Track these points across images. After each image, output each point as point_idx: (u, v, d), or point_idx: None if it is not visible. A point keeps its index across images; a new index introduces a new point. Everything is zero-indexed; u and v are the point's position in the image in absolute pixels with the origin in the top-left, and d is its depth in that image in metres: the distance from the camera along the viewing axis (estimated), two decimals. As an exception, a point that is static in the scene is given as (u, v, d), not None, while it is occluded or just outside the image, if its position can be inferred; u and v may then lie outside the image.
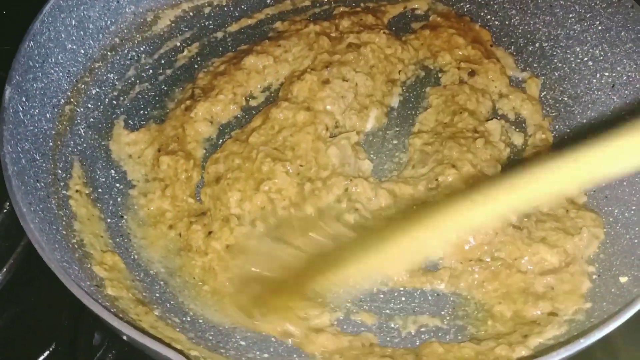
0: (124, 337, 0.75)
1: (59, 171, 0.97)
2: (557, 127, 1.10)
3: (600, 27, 1.11)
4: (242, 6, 1.26)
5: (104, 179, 1.02)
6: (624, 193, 0.98)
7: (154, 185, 1.01)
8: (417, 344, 0.88)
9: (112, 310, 0.78)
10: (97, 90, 1.10)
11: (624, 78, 1.06)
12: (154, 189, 1.00)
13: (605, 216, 0.97)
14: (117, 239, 0.96)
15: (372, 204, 0.98)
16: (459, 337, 0.88)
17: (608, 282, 0.89)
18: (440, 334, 0.89)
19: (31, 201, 0.86)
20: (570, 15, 1.16)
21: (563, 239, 0.93)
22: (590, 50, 1.12)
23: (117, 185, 1.02)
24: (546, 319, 0.86)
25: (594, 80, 1.11)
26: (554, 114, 1.12)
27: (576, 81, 1.13)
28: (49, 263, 0.76)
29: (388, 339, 0.89)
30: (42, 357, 0.93)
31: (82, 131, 1.05)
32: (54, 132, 0.99)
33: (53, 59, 1.02)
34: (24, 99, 0.94)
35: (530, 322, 0.86)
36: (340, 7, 1.26)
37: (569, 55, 1.15)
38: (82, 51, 1.08)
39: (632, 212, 0.96)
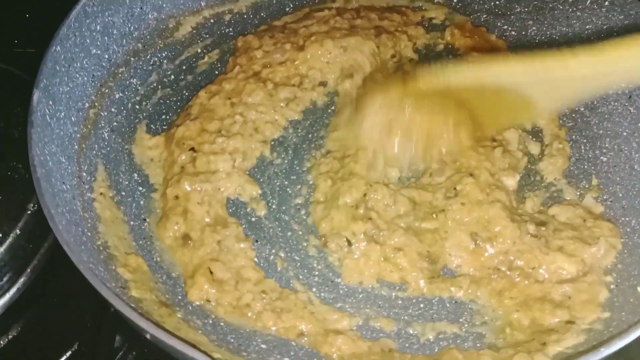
0: (148, 336, 0.76)
1: (84, 174, 0.99)
2: (573, 137, 1.11)
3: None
4: (262, 14, 1.28)
5: (127, 182, 1.03)
6: (641, 203, 0.99)
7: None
8: (436, 350, 0.89)
9: (139, 311, 0.78)
10: (121, 94, 1.11)
11: (640, 90, 1.07)
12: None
13: (623, 226, 0.98)
14: (140, 242, 0.97)
15: (389, 212, 0.99)
16: (478, 345, 0.89)
17: (626, 292, 0.90)
18: (458, 341, 0.90)
19: (58, 203, 0.87)
20: (587, 27, 1.17)
21: (581, 249, 0.94)
22: (608, 61, 1.13)
23: (140, 188, 1.03)
24: (564, 327, 0.87)
25: (611, 91, 1.12)
26: (570, 124, 1.13)
27: (593, 92, 1.14)
28: (77, 264, 0.77)
29: (407, 345, 0.90)
30: (64, 357, 0.95)
31: (106, 135, 1.06)
32: (78, 135, 1.01)
33: (78, 64, 1.03)
34: (50, 103, 0.95)
35: (548, 330, 0.87)
36: (358, 20, 1.27)
37: (586, 67, 1.16)
38: (106, 56, 1.10)
39: (650, 222, 0.97)
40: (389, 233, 0.97)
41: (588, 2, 1.17)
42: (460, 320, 0.92)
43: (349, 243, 0.96)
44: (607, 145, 1.08)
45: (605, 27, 1.14)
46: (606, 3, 1.14)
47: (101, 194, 0.99)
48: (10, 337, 0.96)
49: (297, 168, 1.07)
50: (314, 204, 1.02)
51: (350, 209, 0.99)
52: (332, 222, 0.98)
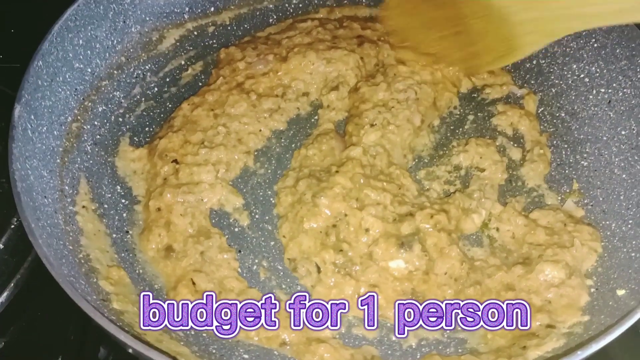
0: (130, 351, 0.76)
1: (66, 187, 0.99)
2: (554, 142, 1.12)
3: (596, 45, 1.13)
4: (245, 25, 1.29)
5: (109, 195, 1.04)
6: (621, 207, 1.00)
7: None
8: (418, 357, 0.89)
9: (118, 324, 0.79)
10: (104, 107, 1.12)
11: (620, 94, 1.08)
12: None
13: (603, 230, 0.99)
14: (123, 254, 0.98)
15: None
16: (459, 350, 0.89)
17: (606, 296, 0.90)
18: (440, 347, 0.90)
19: (39, 217, 0.88)
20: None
21: (561, 253, 0.95)
22: (587, 67, 1.14)
23: (123, 200, 1.04)
24: (544, 331, 0.87)
25: (591, 97, 1.13)
26: (551, 130, 1.14)
27: (573, 97, 1.15)
28: (56, 277, 0.78)
29: (389, 352, 0.90)
30: (48, 370, 0.94)
31: (89, 148, 1.07)
32: (61, 149, 1.01)
33: (61, 78, 1.04)
34: (32, 117, 0.96)
35: (528, 334, 0.88)
36: (341, 30, 1.27)
37: (565, 72, 1.17)
38: (89, 70, 1.11)
39: (629, 226, 0.97)
40: (362, 269, 0.95)
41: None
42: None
43: (319, 269, 0.95)
44: (587, 150, 1.09)
45: (584, 32, 1.16)
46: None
47: (83, 207, 0.99)
48: (-6, 351, 0.96)
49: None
50: (279, 220, 1.02)
51: (319, 235, 0.98)
52: (300, 246, 0.97)
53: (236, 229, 1.02)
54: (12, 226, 1.00)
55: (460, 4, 1.05)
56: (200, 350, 0.87)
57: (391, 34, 1.21)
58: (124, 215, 1.02)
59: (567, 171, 1.08)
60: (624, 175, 1.03)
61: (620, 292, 0.89)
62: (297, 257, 0.97)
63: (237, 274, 0.96)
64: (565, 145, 1.11)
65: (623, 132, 1.06)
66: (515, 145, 1.12)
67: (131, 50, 1.18)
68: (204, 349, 0.88)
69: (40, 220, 0.87)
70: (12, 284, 0.98)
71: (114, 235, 0.99)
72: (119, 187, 1.05)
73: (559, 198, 1.05)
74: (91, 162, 1.06)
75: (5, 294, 0.97)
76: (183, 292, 0.92)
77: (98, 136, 1.09)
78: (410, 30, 1.16)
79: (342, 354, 0.89)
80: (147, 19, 1.21)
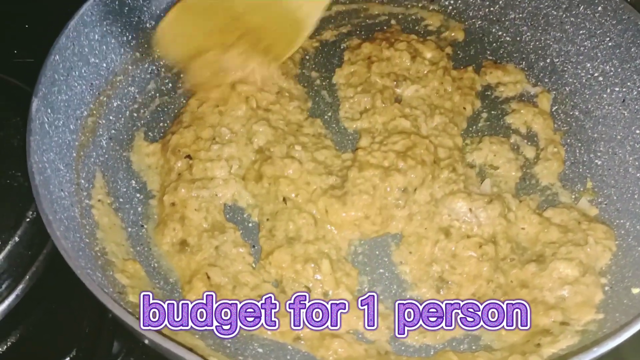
0: (146, 341, 0.77)
1: (82, 181, 1.00)
2: (568, 141, 1.12)
3: (610, 44, 1.13)
4: (259, 22, 1.29)
5: (124, 189, 1.04)
6: (635, 206, 1.00)
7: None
8: (432, 353, 0.90)
9: (135, 316, 0.79)
10: (119, 102, 1.12)
11: (634, 93, 1.08)
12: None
13: (617, 229, 0.99)
14: (138, 248, 0.98)
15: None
16: (473, 347, 0.90)
17: (620, 294, 0.90)
18: (454, 344, 0.90)
19: (56, 209, 0.88)
20: (581, 32, 1.18)
21: (575, 251, 0.95)
22: (601, 66, 1.14)
23: (138, 195, 1.04)
24: (559, 328, 0.87)
25: (605, 96, 1.13)
26: (565, 128, 1.14)
27: (587, 96, 1.15)
28: (74, 269, 0.78)
29: (403, 348, 0.90)
30: (63, 363, 0.95)
31: (104, 142, 1.07)
32: (77, 143, 1.02)
33: (77, 72, 1.05)
34: (49, 111, 0.97)
35: (543, 330, 0.88)
36: (345, 26, 1.28)
37: (579, 71, 1.17)
38: (105, 65, 1.11)
39: (644, 224, 0.97)
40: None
41: (581, 7, 1.18)
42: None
43: (309, 290, 0.94)
44: (601, 149, 1.09)
45: (598, 31, 1.15)
46: (599, 8, 1.15)
47: (99, 200, 1.00)
48: (9, 343, 0.97)
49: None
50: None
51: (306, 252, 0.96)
52: (285, 269, 0.95)
53: (250, 224, 1.02)
54: (28, 219, 1.00)
55: (232, 5, 1.04)
56: (215, 344, 0.88)
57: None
58: (139, 209, 1.03)
59: (581, 170, 1.08)
60: (638, 174, 1.03)
61: (635, 291, 0.89)
62: (282, 279, 0.95)
63: (251, 268, 0.97)
64: (579, 144, 1.11)
65: (637, 131, 1.06)
66: (529, 143, 1.12)
67: (146, 46, 1.19)
68: (219, 343, 0.88)
69: (57, 213, 0.88)
70: (28, 277, 0.98)
71: (129, 229, 1.00)
72: (133, 182, 1.06)
73: (573, 196, 1.05)
74: (106, 156, 1.06)
75: (20, 287, 0.97)
76: (198, 285, 0.92)
77: (113, 131, 1.10)
78: (192, 53, 1.10)
79: (356, 349, 0.89)
80: (162, 14, 1.21)
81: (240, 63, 1.10)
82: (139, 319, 0.76)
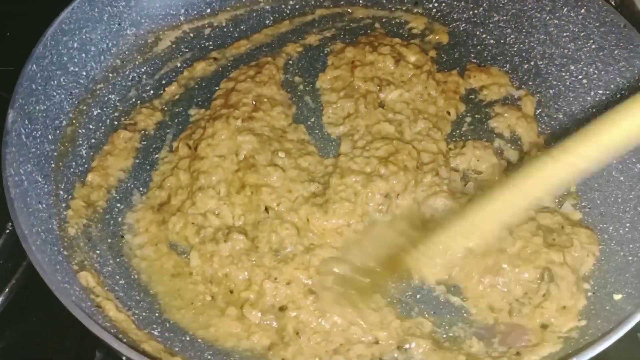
0: (124, 359, 0.76)
1: (61, 192, 0.99)
2: (552, 144, 1.11)
3: (594, 46, 1.13)
4: (242, 27, 1.28)
5: (105, 200, 1.03)
6: (619, 210, 1.00)
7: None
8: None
9: (113, 331, 0.78)
10: (99, 111, 1.11)
11: (618, 96, 1.08)
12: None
13: (601, 233, 0.99)
14: (118, 259, 0.97)
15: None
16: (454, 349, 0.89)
17: (602, 300, 0.90)
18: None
19: (33, 223, 0.87)
20: (565, 35, 1.18)
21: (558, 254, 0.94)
22: (585, 68, 1.14)
23: (118, 205, 1.03)
24: (540, 336, 0.87)
25: (589, 98, 1.12)
26: (549, 132, 1.13)
27: (571, 99, 1.14)
28: (49, 285, 0.78)
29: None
30: (44, 377, 0.94)
31: (84, 152, 1.06)
32: (56, 153, 1.01)
33: (55, 82, 1.04)
34: (26, 122, 0.96)
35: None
36: (329, 30, 1.28)
37: (563, 74, 1.17)
38: (84, 73, 1.10)
39: (627, 229, 0.97)
40: None
41: (565, 9, 1.17)
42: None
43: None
44: (585, 152, 1.09)
45: (582, 33, 1.15)
46: (582, 10, 1.15)
47: (77, 212, 0.99)
48: (-11, 356, 0.96)
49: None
50: None
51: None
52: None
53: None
54: (7, 231, 0.99)
55: None
56: (195, 356, 0.87)
57: None
58: (119, 220, 1.02)
59: (564, 174, 1.08)
60: (621, 178, 1.02)
61: (617, 297, 0.89)
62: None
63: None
64: (563, 147, 1.10)
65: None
66: (513, 147, 1.11)
67: (126, 52, 1.18)
68: (199, 355, 0.87)
69: (35, 227, 0.87)
70: (7, 289, 0.98)
71: (109, 240, 0.99)
72: (114, 192, 1.05)
73: (557, 200, 1.04)
74: (86, 166, 1.05)
75: (0, 299, 0.97)
76: None
77: (93, 140, 1.09)
78: None
79: None
80: (143, 21, 1.21)
81: None
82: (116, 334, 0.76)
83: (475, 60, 1.24)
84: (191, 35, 1.26)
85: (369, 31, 1.29)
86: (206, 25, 1.27)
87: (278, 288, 0.92)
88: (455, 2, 1.29)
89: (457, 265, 0.94)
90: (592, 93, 1.12)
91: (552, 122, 1.14)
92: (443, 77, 1.18)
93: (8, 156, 0.88)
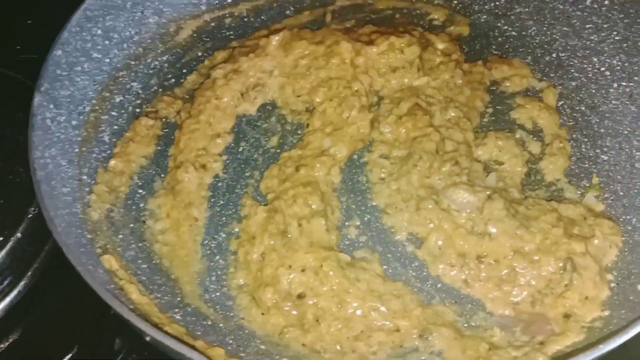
0: (148, 339, 0.76)
1: (84, 177, 0.99)
2: (574, 136, 1.10)
3: (617, 38, 1.12)
4: (262, 17, 1.28)
5: (127, 185, 1.04)
6: (643, 202, 0.99)
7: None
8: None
9: (137, 313, 0.79)
10: (121, 98, 1.12)
11: (641, 88, 1.07)
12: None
13: (624, 225, 0.98)
14: (140, 244, 0.98)
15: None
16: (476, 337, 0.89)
17: (626, 290, 0.89)
18: (457, 340, 0.89)
19: (58, 205, 0.88)
20: (587, 26, 1.17)
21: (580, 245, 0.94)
22: (607, 60, 1.13)
23: (140, 191, 1.04)
24: (564, 326, 0.86)
25: (611, 90, 1.12)
26: (571, 123, 1.12)
27: (593, 91, 1.14)
28: (76, 266, 0.78)
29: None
30: (65, 360, 0.95)
31: (106, 138, 1.07)
32: (79, 138, 1.02)
33: (79, 68, 1.05)
34: (51, 106, 0.97)
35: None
36: (349, 22, 1.28)
37: (586, 66, 1.16)
38: (107, 60, 1.11)
39: (650, 220, 0.96)
40: None
41: (588, 1, 1.17)
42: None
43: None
44: (607, 144, 1.08)
45: (605, 25, 1.14)
46: (606, 2, 1.14)
47: (100, 196, 0.99)
48: (11, 339, 0.97)
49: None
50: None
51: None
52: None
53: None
54: (30, 215, 1.00)
55: None
56: (217, 340, 0.87)
57: None
58: (141, 205, 1.02)
59: (587, 165, 1.07)
60: (645, 170, 1.02)
61: (641, 287, 0.88)
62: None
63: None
64: (585, 139, 1.10)
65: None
66: (535, 138, 1.10)
67: (149, 41, 1.19)
68: (221, 340, 0.88)
69: (59, 209, 0.88)
70: (30, 273, 0.99)
71: (131, 225, 0.99)
72: (136, 177, 1.05)
73: (579, 192, 1.04)
74: (109, 152, 1.06)
75: (22, 283, 0.98)
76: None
77: (115, 126, 1.09)
78: None
79: None
80: (165, 10, 1.21)
81: None
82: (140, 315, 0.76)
83: (496, 52, 1.23)
84: (212, 24, 1.26)
85: (389, 22, 1.28)
86: (227, 15, 1.28)
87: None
88: (476, -6, 1.29)
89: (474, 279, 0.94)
90: (615, 85, 1.11)
91: (574, 114, 1.13)
92: (469, 68, 1.18)
93: (34, 139, 0.89)
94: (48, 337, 0.99)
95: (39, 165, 0.87)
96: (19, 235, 0.97)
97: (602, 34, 1.14)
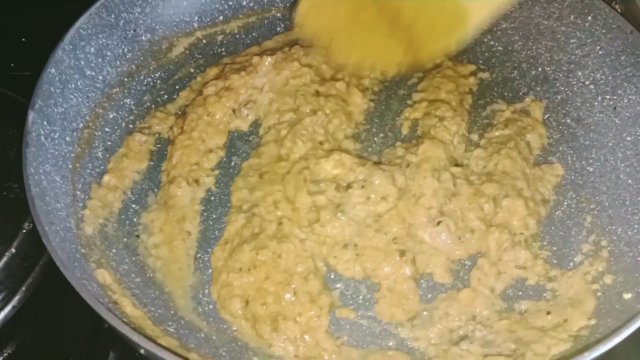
0: (142, 351, 0.77)
1: (78, 192, 1.00)
2: (560, 148, 1.13)
3: (600, 52, 1.14)
4: (254, 34, 1.30)
5: (120, 200, 1.05)
6: (627, 212, 1.01)
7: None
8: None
9: (131, 326, 0.80)
10: (115, 114, 1.13)
11: (625, 101, 1.09)
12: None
13: (609, 235, 1.00)
14: (133, 258, 0.99)
15: None
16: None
17: (612, 299, 0.91)
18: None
19: (52, 220, 0.89)
20: (572, 41, 1.19)
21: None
22: (592, 74, 1.15)
23: (134, 206, 1.05)
24: (551, 333, 0.88)
25: (596, 103, 1.14)
26: (557, 136, 1.15)
27: (578, 104, 1.16)
28: (70, 280, 0.79)
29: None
30: (59, 374, 0.95)
31: (100, 154, 1.08)
32: (73, 154, 1.03)
33: (73, 85, 1.06)
34: (45, 123, 0.98)
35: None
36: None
37: (571, 79, 1.18)
38: (101, 77, 1.12)
39: (635, 230, 0.98)
40: None
41: (572, 17, 1.19)
42: (450, 330, 0.93)
43: None
44: (593, 156, 1.10)
45: (589, 40, 1.17)
46: (589, 17, 1.16)
47: (94, 211, 1.00)
48: (5, 354, 0.97)
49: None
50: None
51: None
52: None
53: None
54: (24, 231, 1.01)
55: None
56: (210, 352, 0.88)
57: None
58: (135, 220, 1.03)
59: (572, 177, 1.09)
60: (629, 181, 1.04)
61: (627, 296, 0.90)
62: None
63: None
64: (571, 152, 1.12)
65: (628, 138, 1.07)
66: (523, 150, 1.13)
67: (141, 58, 1.20)
68: (214, 352, 0.89)
69: (54, 224, 0.89)
70: (24, 288, 0.99)
71: (125, 240, 1.00)
72: (129, 192, 1.06)
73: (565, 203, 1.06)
74: (102, 167, 1.07)
75: (16, 298, 0.98)
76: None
77: (109, 142, 1.11)
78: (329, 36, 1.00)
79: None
80: (157, 27, 1.23)
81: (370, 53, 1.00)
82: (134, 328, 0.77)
83: (483, 67, 1.26)
84: (204, 41, 1.28)
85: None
86: (219, 32, 1.29)
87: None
88: (463, 10, 1.31)
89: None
90: (600, 98, 1.13)
91: (560, 127, 1.15)
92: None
93: (29, 155, 0.90)
94: (42, 351, 1.00)
95: (33, 181, 0.89)
96: (13, 250, 0.98)
97: (586, 49, 1.17)
